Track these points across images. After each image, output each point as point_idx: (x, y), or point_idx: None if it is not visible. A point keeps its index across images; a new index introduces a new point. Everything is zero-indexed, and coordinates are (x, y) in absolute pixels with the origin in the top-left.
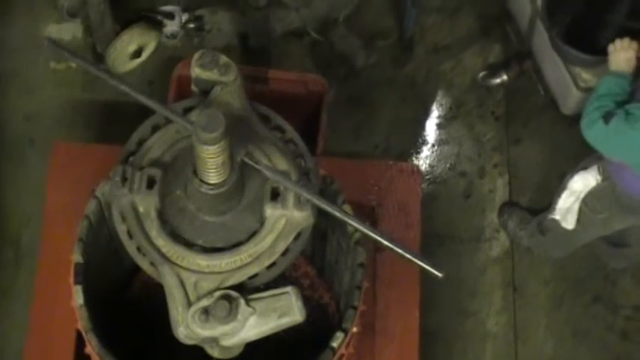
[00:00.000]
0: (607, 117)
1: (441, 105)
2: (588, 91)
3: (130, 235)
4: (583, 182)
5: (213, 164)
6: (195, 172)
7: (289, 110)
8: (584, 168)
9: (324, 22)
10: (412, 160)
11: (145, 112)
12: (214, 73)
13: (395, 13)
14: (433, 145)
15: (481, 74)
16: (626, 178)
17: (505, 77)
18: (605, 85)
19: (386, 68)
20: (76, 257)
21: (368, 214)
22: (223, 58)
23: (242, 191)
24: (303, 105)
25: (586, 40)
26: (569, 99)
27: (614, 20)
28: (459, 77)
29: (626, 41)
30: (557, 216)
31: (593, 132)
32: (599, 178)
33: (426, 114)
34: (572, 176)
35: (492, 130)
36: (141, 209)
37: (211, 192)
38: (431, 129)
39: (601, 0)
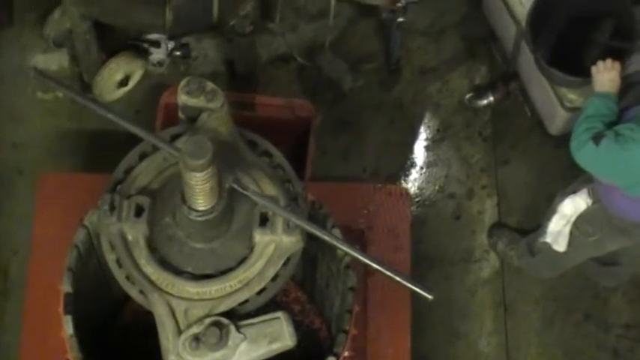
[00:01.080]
0: (597, 138)
1: (429, 127)
2: (574, 111)
3: (119, 264)
4: (573, 206)
5: (201, 191)
6: (183, 199)
7: (277, 135)
8: (574, 191)
9: (310, 47)
10: (401, 183)
11: (133, 140)
12: (201, 99)
13: (380, 36)
14: (421, 168)
15: (468, 96)
16: (616, 200)
17: (491, 98)
18: (591, 106)
19: (373, 91)
20: (66, 287)
21: (357, 238)
22: (210, 85)
23: (231, 217)
24: (291, 130)
25: (571, 61)
26: (556, 119)
27: (598, 41)
28: (446, 99)
29: (609, 62)
30: (548, 239)
31: (584, 153)
32: (589, 201)
33: (413, 136)
34: (562, 200)
35: (480, 152)
36: (129, 237)
37: (200, 219)
38: (419, 151)
39: (584, 22)
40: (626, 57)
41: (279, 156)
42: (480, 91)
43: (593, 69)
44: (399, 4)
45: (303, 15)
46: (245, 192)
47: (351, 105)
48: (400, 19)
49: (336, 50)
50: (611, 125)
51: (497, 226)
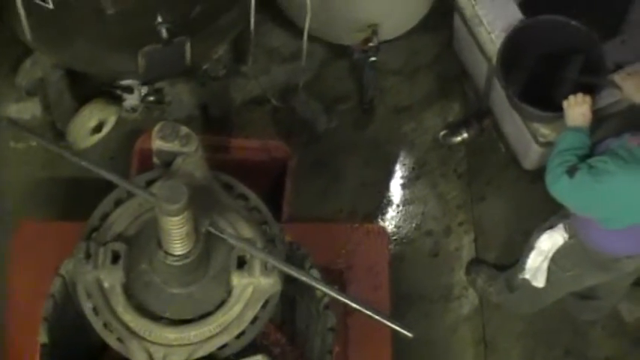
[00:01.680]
0: (571, 171)
1: (404, 165)
2: (548, 145)
3: (97, 312)
4: (551, 241)
5: (177, 235)
6: (159, 245)
7: (253, 178)
8: (551, 227)
9: (284, 88)
10: (378, 222)
11: (108, 187)
12: (175, 144)
13: (354, 77)
14: (398, 206)
15: (442, 133)
16: (593, 235)
17: (465, 135)
18: (564, 140)
19: (348, 132)
20: (42, 338)
21: (336, 278)
22: (184, 129)
23: (208, 261)
24: (267, 172)
25: (542, 97)
26: (530, 154)
27: (568, 77)
28: (421, 137)
29: (579, 96)
30: (527, 275)
31: (559, 187)
32: (566, 236)
33: (389, 175)
34: (539, 236)
35: (456, 189)
36: (106, 285)
37: (177, 263)
38: (395, 190)
39: (554, 58)
40: (597, 91)
41: (254, 198)
42: (453, 129)
43: (565, 103)
44: (371, 44)
45: (276, 58)
46: (222, 235)
47: (326, 145)
48: (373, 59)
49: (309, 91)
50: (584, 158)
51: (475, 263)
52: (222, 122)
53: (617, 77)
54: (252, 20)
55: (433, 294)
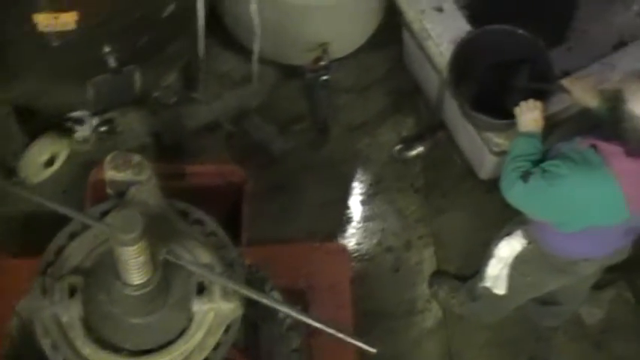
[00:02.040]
0: (525, 176)
1: (362, 182)
2: (502, 154)
3: (56, 348)
4: (509, 248)
5: (134, 265)
6: (117, 275)
7: (210, 203)
8: (509, 234)
9: (237, 113)
10: (339, 240)
11: (64, 221)
12: (128, 173)
13: (307, 96)
14: (358, 223)
15: (397, 148)
16: (549, 239)
17: (421, 149)
18: (518, 146)
19: (304, 152)
20: None
21: (299, 298)
22: (136, 158)
23: (167, 289)
24: (223, 196)
25: (494, 106)
26: (485, 164)
27: (518, 84)
28: (376, 153)
29: (531, 103)
30: (488, 284)
31: (514, 192)
32: (524, 242)
33: (347, 193)
34: (497, 243)
35: (414, 203)
36: (64, 319)
37: (135, 293)
38: (354, 207)
39: (504, 67)
40: (547, 97)
41: (211, 223)
42: (408, 143)
43: (517, 110)
44: (322, 63)
45: (227, 82)
46: (180, 262)
47: (282, 167)
48: (324, 78)
49: (263, 114)
50: (537, 164)
51: (437, 275)
52: (175, 149)
53: (565, 82)
54: (202, 46)
55: (397, 309)
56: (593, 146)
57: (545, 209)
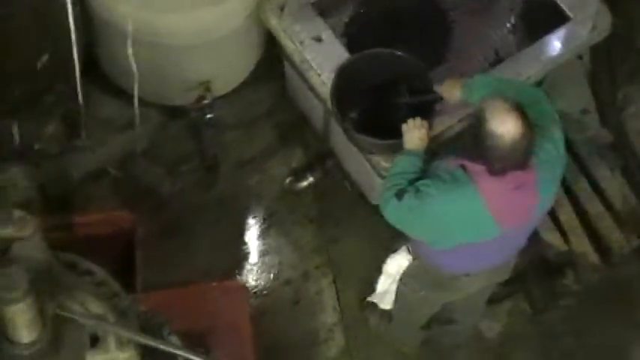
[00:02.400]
0: (399, 195)
1: (255, 218)
2: None
3: None
4: (396, 264)
5: (22, 323)
6: (5, 335)
7: (102, 252)
8: (395, 250)
9: (122, 157)
10: (236, 278)
11: None
12: (10, 230)
13: (193, 136)
14: (254, 259)
15: (287, 180)
16: (429, 255)
17: (311, 179)
18: (399, 164)
19: (194, 192)
20: None
21: (199, 341)
22: (17, 213)
23: (60, 345)
24: (115, 244)
25: (380, 129)
26: (375, 189)
27: (400, 102)
28: (268, 187)
29: (418, 121)
30: (375, 299)
31: (389, 210)
32: (409, 257)
33: (241, 230)
34: (385, 260)
35: (309, 234)
36: None
37: (26, 352)
38: (249, 243)
39: (386, 89)
40: (433, 116)
41: (100, 271)
42: (298, 175)
43: (404, 127)
44: (206, 102)
45: (111, 127)
46: (71, 315)
47: (173, 209)
48: (209, 116)
49: (149, 157)
50: (415, 182)
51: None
52: (62, 200)
53: (437, 87)
54: (80, 93)
55: (299, 341)
56: (462, 166)
57: (417, 227)
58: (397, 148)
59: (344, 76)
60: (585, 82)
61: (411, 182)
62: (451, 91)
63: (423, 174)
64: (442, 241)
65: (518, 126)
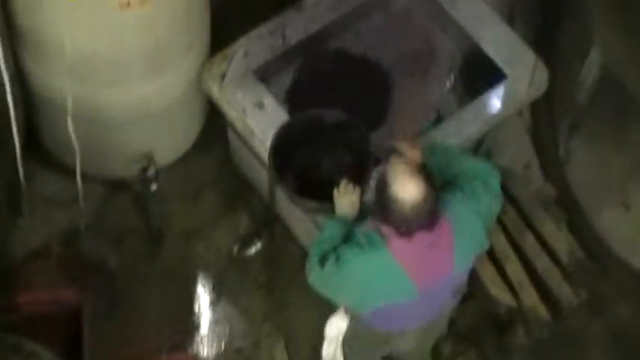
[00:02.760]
0: (322, 261)
1: (204, 287)
2: None
3: None
4: (335, 327)
5: None
6: None
7: (48, 331)
8: (333, 313)
9: (67, 234)
10: (187, 350)
11: None
12: None
13: (138, 208)
14: (204, 330)
15: (235, 248)
16: (361, 315)
17: (259, 245)
18: (327, 229)
19: (141, 265)
20: None
21: None
22: None
23: None
24: (61, 322)
25: (320, 188)
26: None
27: (334, 163)
28: (215, 256)
29: (350, 186)
30: None
31: (313, 276)
32: (346, 318)
33: (190, 300)
34: (325, 324)
35: (258, 300)
36: None
37: None
38: (198, 314)
39: (320, 148)
40: (368, 176)
41: (46, 354)
42: (246, 241)
43: (335, 192)
44: (149, 173)
45: (54, 203)
46: None
47: (121, 283)
48: (153, 188)
49: (94, 231)
50: None
51: None
52: (5, 280)
53: (398, 144)
54: (22, 171)
55: None
56: (377, 229)
57: (339, 293)
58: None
59: (283, 138)
60: (527, 137)
61: (336, 248)
62: (413, 152)
63: (346, 239)
64: (365, 304)
65: (420, 190)
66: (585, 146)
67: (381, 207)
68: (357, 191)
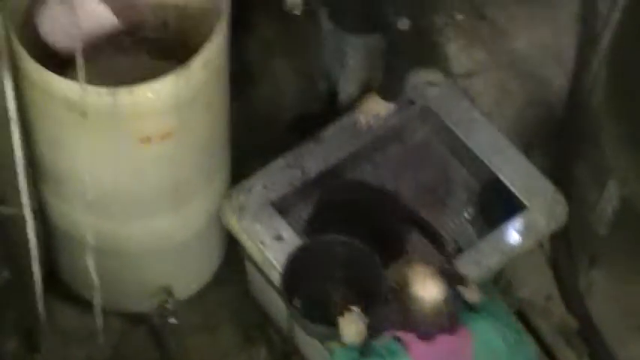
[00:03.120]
0: None
1: None
2: None
3: None
4: None
5: None
6: None
7: None
8: None
9: None
10: None
11: None
12: None
13: (156, 342)
14: None
15: None
16: None
17: None
18: (336, 358)
19: None
20: None
21: None
22: None
23: None
24: None
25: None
26: None
27: (345, 289)
28: None
29: (354, 314)
30: None
31: None
32: None
33: None
34: None
35: None
36: None
37: None
38: None
39: (334, 275)
40: (378, 304)
41: None
42: None
43: (340, 320)
44: (168, 307)
45: (72, 338)
46: None
47: None
48: (172, 321)
49: None
50: None
51: None
52: None
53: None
54: (41, 306)
55: None
56: (396, 337)
57: None
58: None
59: (296, 262)
60: (547, 268)
61: None
62: (472, 294)
63: (363, 354)
64: None
65: (441, 290)
66: (606, 277)
67: (400, 310)
68: (363, 318)
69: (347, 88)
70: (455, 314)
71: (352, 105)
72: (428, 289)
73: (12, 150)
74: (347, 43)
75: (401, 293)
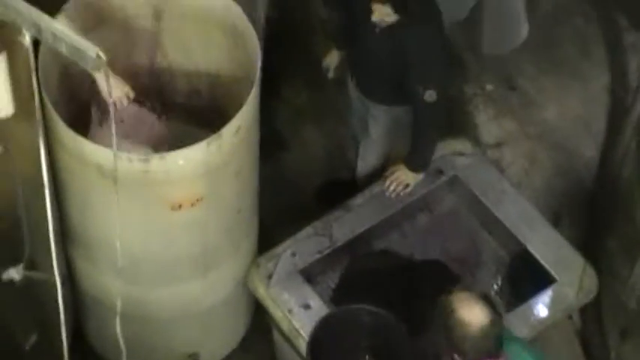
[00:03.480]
0: None
1: None
2: None
3: None
4: None
5: None
6: None
7: None
8: None
9: None
10: None
11: None
12: None
13: None
14: None
15: None
16: None
17: None
18: None
19: None
20: None
21: None
22: None
23: None
24: None
25: None
26: None
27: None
28: None
29: None
30: None
31: None
32: None
33: None
34: None
35: None
36: None
37: None
38: None
39: (361, 345)
40: None
41: None
42: None
43: None
44: None
45: None
46: None
47: None
48: None
49: None
50: None
51: None
52: None
53: None
54: None
55: None
56: None
57: None
58: None
59: (323, 331)
60: (576, 340)
61: None
62: None
63: None
64: None
65: (487, 314)
66: (637, 352)
67: (446, 336)
68: None
69: (366, 157)
70: (501, 337)
71: (371, 174)
72: (474, 313)
73: (44, 215)
74: (370, 114)
75: (448, 321)
